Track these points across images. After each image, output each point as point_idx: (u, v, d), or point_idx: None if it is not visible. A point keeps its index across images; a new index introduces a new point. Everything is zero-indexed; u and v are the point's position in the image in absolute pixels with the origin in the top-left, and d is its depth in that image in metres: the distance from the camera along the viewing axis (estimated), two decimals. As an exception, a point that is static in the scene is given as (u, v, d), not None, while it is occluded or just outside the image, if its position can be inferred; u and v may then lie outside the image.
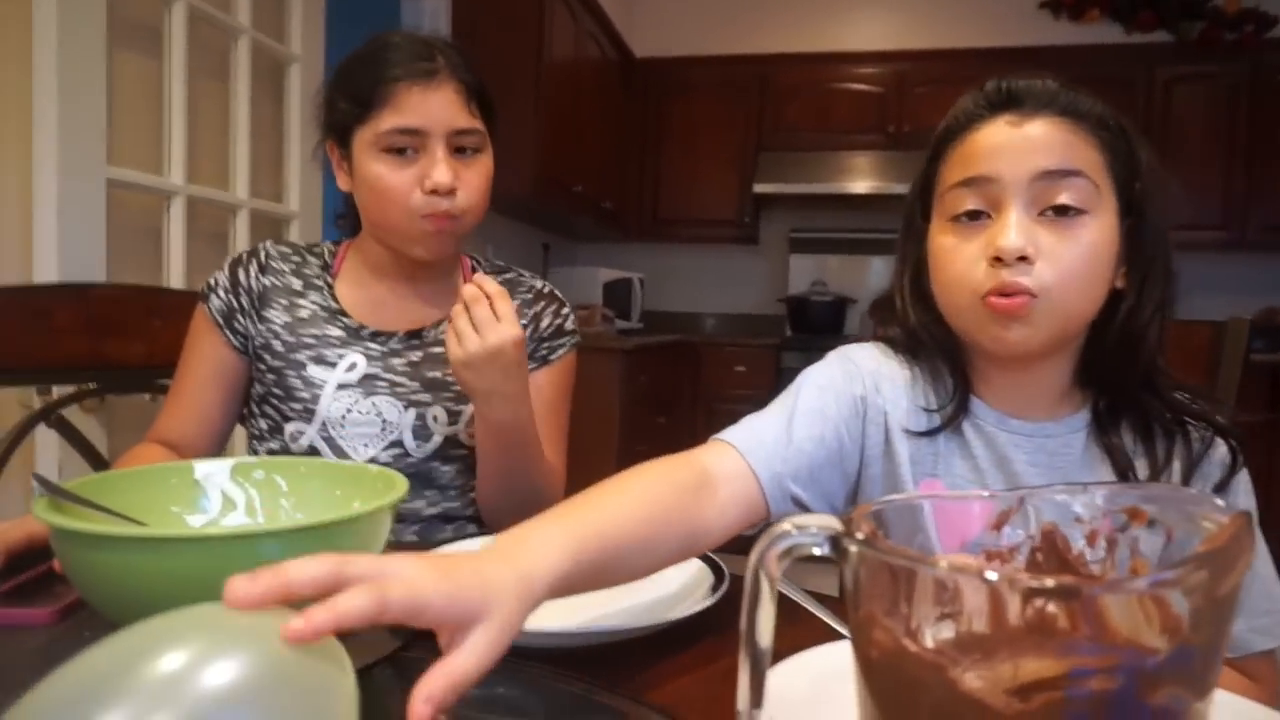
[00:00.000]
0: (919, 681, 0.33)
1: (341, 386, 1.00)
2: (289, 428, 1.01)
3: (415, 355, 1.04)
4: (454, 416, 1.03)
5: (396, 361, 1.03)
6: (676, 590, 0.67)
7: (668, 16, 4.20)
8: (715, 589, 0.66)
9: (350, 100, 0.97)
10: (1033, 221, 0.71)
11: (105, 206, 1.49)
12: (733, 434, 0.76)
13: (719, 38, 4.11)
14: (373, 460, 1.00)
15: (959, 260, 0.74)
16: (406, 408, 1.01)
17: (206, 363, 1.03)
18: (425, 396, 1.02)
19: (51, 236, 1.38)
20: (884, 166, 3.84)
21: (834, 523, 0.37)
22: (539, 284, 1.14)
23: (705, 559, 0.70)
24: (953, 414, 0.79)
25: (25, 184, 1.40)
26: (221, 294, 1.03)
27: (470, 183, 0.98)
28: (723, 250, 4.31)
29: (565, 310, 1.12)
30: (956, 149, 0.76)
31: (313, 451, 1.00)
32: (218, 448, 1.04)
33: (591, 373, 2.19)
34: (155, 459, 0.95)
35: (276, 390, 1.01)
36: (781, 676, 0.48)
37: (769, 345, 3.71)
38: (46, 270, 1.38)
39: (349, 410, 1.00)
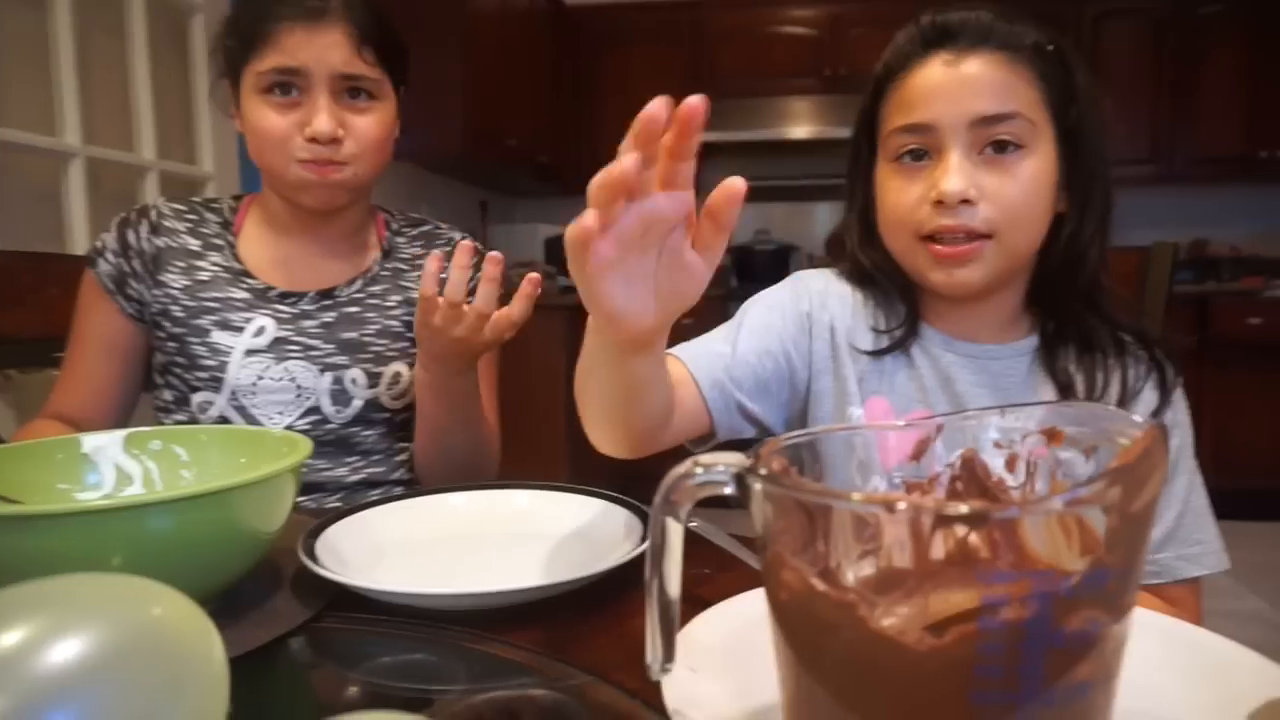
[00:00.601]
0: (829, 623, 0.31)
1: (250, 352, 0.95)
2: (196, 398, 0.95)
3: (329, 316, 0.99)
4: (374, 379, 0.98)
5: (308, 324, 0.97)
6: (602, 542, 0.65)
7: (598, -38, 4.09)
8: (641, 542, 0.64)
9: (238, 38, 0.91)
10: (973, 162, 0.71)
11: (-7, 170, 1.39)
12: (679, 348, 0.79)
13: (651, -17, 4.01)
14: (289, 429, 0.95)
15: (903, 202, 0.75)
16: (322, 372, 0.96)
17: (99, 332, 0.96)
18: (342, 359, 0.97)
19: (-68, 204, 1.28)
20: (823, 111, 3.82)
21: (740, 460, 0.34)
22: (457, 235, 1.10)
23: (635, 509, 0.68)
24: (901, 337, 0.81)
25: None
26: (110, 258, 0.96)
27: (361, 131, 0.92)
28: (664, 202, 4.25)
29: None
30: (895, 90, 0.76)
31: (223, 421, 0.95)
32: (120, 422, 0.98)
33: (536, 331, 2.15)
34: (49, 435, 0.89)
35: (179, 359, 0.95)
36: (706, 625, 0.47)
37: (715, 296, 3.67)
38: (-70, 241, 1.29)
39: (260, 377, 0.95)
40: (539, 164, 3.73)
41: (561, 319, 2.89)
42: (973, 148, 0.72)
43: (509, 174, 3.60)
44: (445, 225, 1.11)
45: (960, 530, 0.30)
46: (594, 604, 0.57)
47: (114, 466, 0.67)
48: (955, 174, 0.70)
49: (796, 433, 0.39)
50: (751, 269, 3.94)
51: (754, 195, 0.56)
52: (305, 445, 0.61)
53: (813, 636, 0.32)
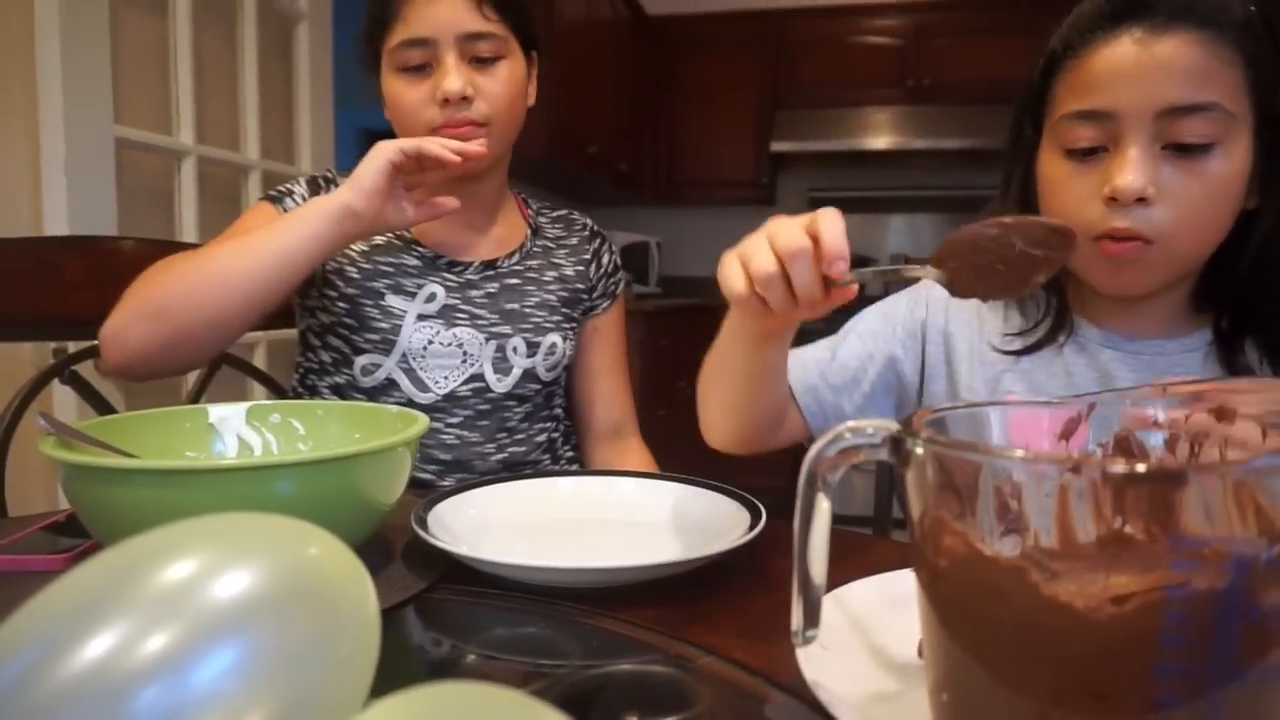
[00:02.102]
0: (997, 590, 0.30)
1: (421, 317, 0.97)
2: (360, 360, 0.98)
3: (492, 286, 1.02)
4: (533, 348, 1.02)
5: (474, 293, 1.01)
6: (711, 529, 0.64)
7: (680, -28, 4.11)
8: (752, 528, 0.64)
9: (372, 21, 0.95)
10: (1155, 157, 0.64)
11: (114, 166, 1.47)
12: None
13: (733, -7, 4.01)
14: (451, 394, 0.99)
15: (1071, 196, 0.68)
16: (487, 340, 0.99)
17: None
18: (505, 328, 1.01)
19: (61, 196, 1.36)
20: (904, 122, 3.76)
21: (891, 424, 0.34)
22: (588, 220, 1.15)
23: (741, 499, 0.67)
24: (1050, 332, 0.75)
25: (34, 145, 1.38)
26: (297, 199, 0.98)
27: (490, 90, 0.94)
28: (740, 211, 4.23)
29: (614, 246, 1.15)
30: (1073, 69, 0.68)
31: (390, 384, 0.97)
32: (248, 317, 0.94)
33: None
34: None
35: (349, 320, 0.97)
36: (832, 606, 0.46)
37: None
38: (56, 230, 1.37)
39: (430, 341, 0.97)
40: (618, 171, 3.75)
41: (636, 325, 2.90)
42: (1156, 140, 0.64)
43: (588, 181, 3.63)
44: (578, 212, 1.16)
45: (1140, 497, 0.28)
46: (705, 588, 0.56)
47: (236, 437, 0.69)
48: (1133, 168, 0.63)
49: (942, 406, 0.37)
50: (828, 280, 3.88)
51: (831, 206, 0.58)
52: (422, 420, 0.62)
53: (974, 606, 0.31)
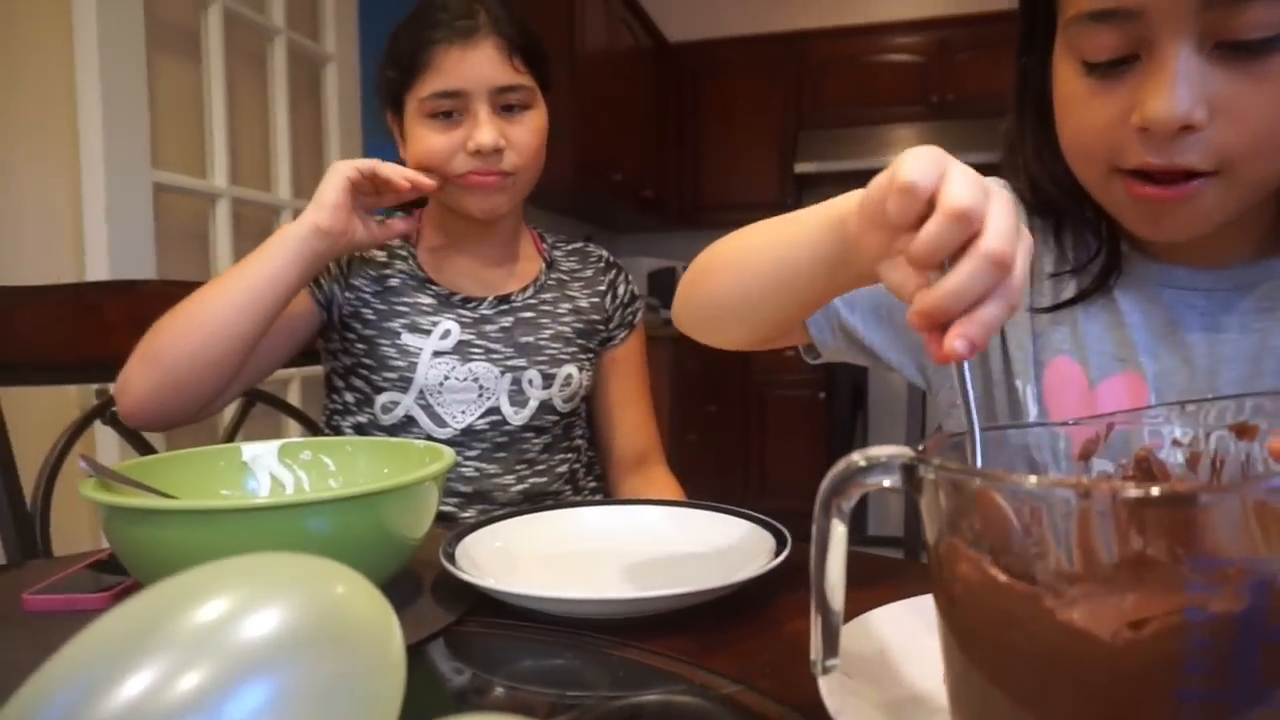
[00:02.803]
0: (1012, 616, 0.30)
1: (437, 354, 0.99)
2: (381, 399, 1.00)
3: (506, 321, 1.04)
4: (548, 380, 1.03)
5: (489, 328, 1.03)
6: (736, 556, 0.64)
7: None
8: (777, 554, 0.63)
9: (397, 67, 0.97)
10: (1204, 64, 0.48)
11: (153, 209, 1.51)
12: None
13: (751, 17, 4.04)
14: (469, 428, 1.00)
15: (1090, 122, 0.53)
16: (503, 373, 1.01)
17: None
18: (520, 361, 1.02)
19: (101, 239, 1.40)
20: (929, 138, 3.74)
21: (906, 451, 0.34)
22: (604, 252, 1.17)
23: (765, 524, 0.67)
24: (1098, 279, 0.60)
25: (75, 189, 1.43)
26: None
27: (519, 140, 0.97)
28: (766, 233, 4.24)
29: (630, 276, 1.16)
30: None
31: (409, 421, 1.00)
32: (249, 381, 0.96)
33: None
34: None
35: (367, 360, 1.00)
36: (854, 634, 0.46)
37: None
38: (97, 274, 1.41)
39: (446, 377, 0.99)
40: (643, 198, 3.78)
41: (665, 349, 2.91)
42: (1204, 41, 0.47)
43: (613, 208, 3.66)
44: (593, 244, 1.17)
45: (1156, 519, 0.28)
46: (732, 615, 0.56)
47: (269, 474, 0.71)
48: (1173, 88, 0.47)
49: (954, 432, 0.38)
50: (857, 299, 3.86)
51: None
52: (449, 455, 0.63)
53: (992, 633, 0.31)
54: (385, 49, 1.00)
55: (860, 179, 0.46)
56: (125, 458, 1.31)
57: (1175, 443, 0.37)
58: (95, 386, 1.09)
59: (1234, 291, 0.58)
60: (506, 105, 0.96)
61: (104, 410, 1.02)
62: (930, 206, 0.39)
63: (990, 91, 3.60)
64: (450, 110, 0.95)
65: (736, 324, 0.66)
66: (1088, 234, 0.62)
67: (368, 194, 0.92)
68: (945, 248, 0.39)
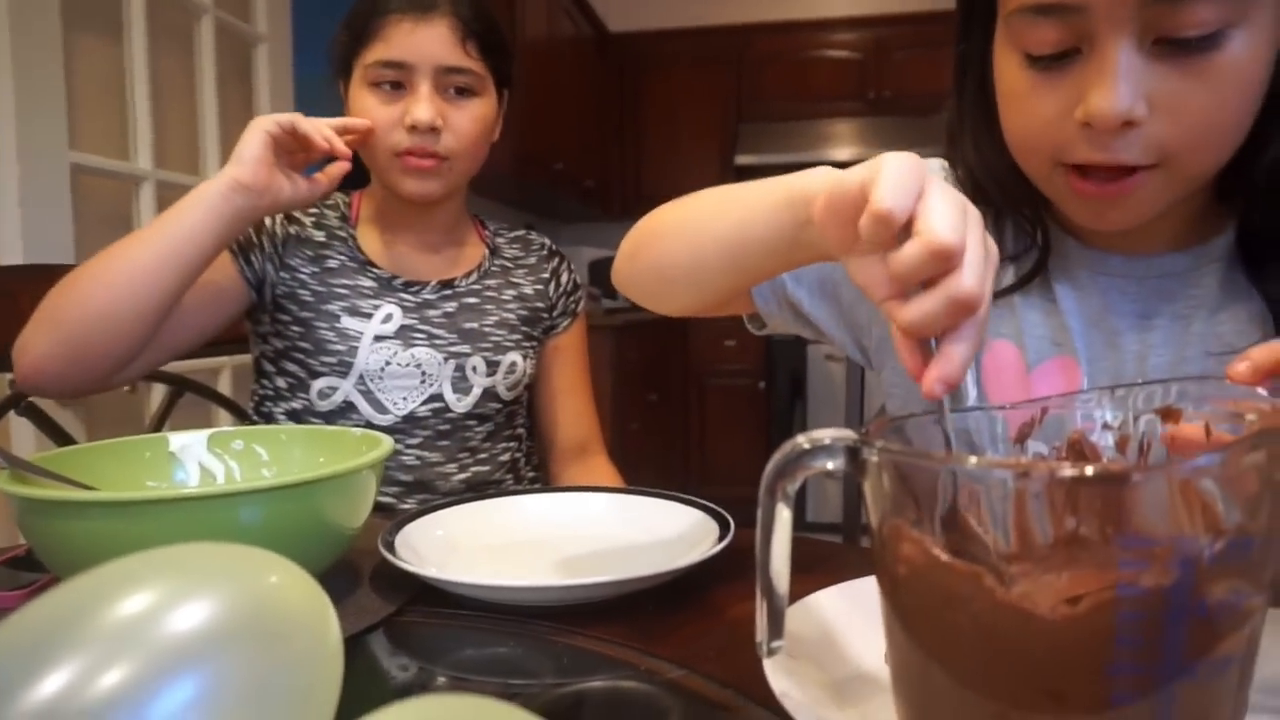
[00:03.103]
0: (954, 595, 0.30)
1: (379, 338, 0.97)
2: (317, 384, 0.97)
3: (450, 306, 1.02)
4: (492, 367, 1.02)
5: (432, 313, 1.01)
6: (680, 542, 0.65)
7: (641, -11, 4.15)
8: (720, 540, 0.64)
9: (349, 33, 0.95)
10: (1145, 59, 0.48)
11: (70, 191, 1.45)
12: None
13: (693, 9, 4.05)
14: (410, 415, 0.98)
15: (1034, 116, 0.53)
16: (446, 359, 0.99)
17: (209, 271, 0.88)
18: (464, 348, 1.00)
19: (14, 222, 1.34)
20: (866, 133, 3.81)
21: (850, 434, 0.34)
22: (546, 240, 1.16)
23: (709, 510, 0.68)
24: (1031, 270, 0.61)
25: (-14, 171, 1.36)
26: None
27: (458, 125, 0.95)
28: (707, 225, 4.26)
29: (573, 265, 1.16)
30: None
31: (347, 407, 0.97)
32: (163, 350, 0.90)
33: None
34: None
35: (303, 344, 0.97)
36: (797, 616, 0.46)
37: (758, 318, 3.68)
38: (11, 259, 1.34)
39: (388, 362, 0.97)
40: (584, 188, 3.77)
41: (606, 339, 2.90)
42: (1144, 36, 0.48)
43: (555, 198, 3.64)
44: (535, 232, 1.17)
45: (1089, 499, 0.29)
46: (675, 601, 0.56)
47: (198, 465, 0.68)
48: (1115, 84, 0.47)
49: (895, 415, 0.38)
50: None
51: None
52: (387, 443, 0.62)
53: (934, 611, 0.31)
54: (345, 17, 0.98)
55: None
56: (42, 449, 1.25)
57: (1106, 426, 0.38)
58: (9, 376, 1.04)
59: (1163, 279, 0.59)
60: (453, 88, 0.94)
61: (18, 401, 0.98)
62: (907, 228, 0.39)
63: (926, 90, 3.68)
64: (395, 81, 0.93)
65: (683, 292, 0.66)
66: (1025, 222, 0.63)
67: (292, 151, 0.88)
68: (921, 276, 0.39)
